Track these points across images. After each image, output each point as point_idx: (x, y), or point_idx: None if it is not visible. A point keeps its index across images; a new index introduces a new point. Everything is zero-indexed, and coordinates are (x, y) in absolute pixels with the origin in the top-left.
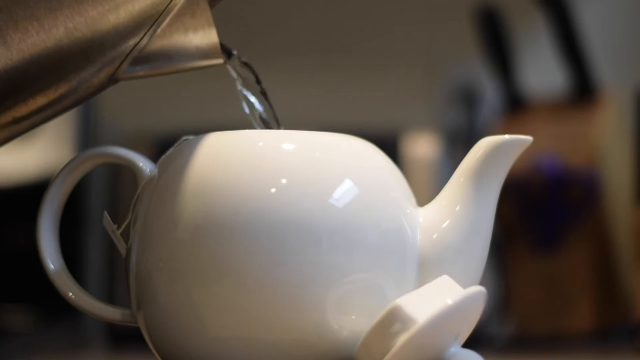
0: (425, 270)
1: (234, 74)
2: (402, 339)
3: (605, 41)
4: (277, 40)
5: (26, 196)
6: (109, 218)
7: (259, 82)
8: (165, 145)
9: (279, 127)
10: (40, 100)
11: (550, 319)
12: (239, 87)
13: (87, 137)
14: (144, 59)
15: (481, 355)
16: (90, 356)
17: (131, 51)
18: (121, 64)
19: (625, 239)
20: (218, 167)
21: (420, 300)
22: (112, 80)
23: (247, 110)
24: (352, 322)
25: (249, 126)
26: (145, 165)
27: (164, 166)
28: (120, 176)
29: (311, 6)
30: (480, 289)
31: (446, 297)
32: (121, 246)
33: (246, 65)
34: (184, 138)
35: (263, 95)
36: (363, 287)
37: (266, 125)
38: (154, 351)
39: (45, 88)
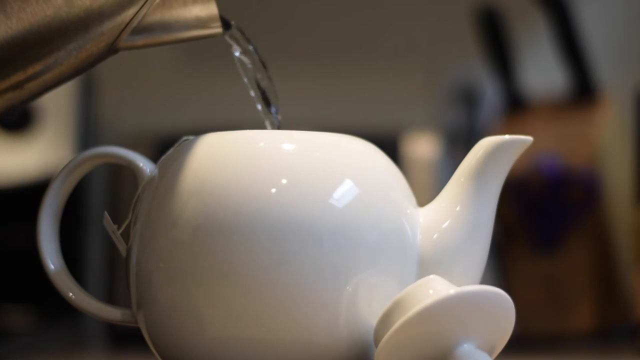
0: (425, 270)
1: (232, 43)
2: (424, 302)
3: (605, 41)
4: (277, 40)
5: (26, 196)
6: (109, 218)
7: (257, 52)
8: (165, 145)
9: (276, 98)
10: (39, 68)
11: (550, 319)
12: (236, 54)
13: (87, 137)
14: (143, 28)
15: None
16: (90, 356)
17: (130, 20)
18: (120, 33)
19: (625, 239)
20: (218, 167)
21: (448, 283)
22: (112, 49)
23: (245, 79)
24: (352, 321)
25: (249, 126)
26: (145, 165)
27: (164, 166)
28: (120, 176)
29: (312, 6)
30: (501, 292)
31: (475, 286)
32: (121, 246)
33: (244, 36)
34: (184, 138)
35: (262, 66)
36: (363, 287)
37: (263, 94)
38: (154, 351)
39: (45, 56)
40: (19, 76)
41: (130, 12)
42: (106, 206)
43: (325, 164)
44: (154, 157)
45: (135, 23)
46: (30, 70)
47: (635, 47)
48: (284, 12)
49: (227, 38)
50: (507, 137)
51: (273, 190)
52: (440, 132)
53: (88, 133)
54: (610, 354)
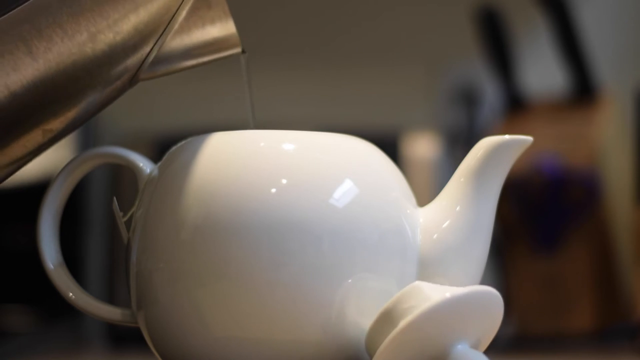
0: (425, 270)
1: (244, 69)
2: (416, 312)
3: (605, 41)
4: (277, 40)
5: (26, 196)
6: (117, 204)
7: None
8: (165, 145)
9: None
10: (68, 109)
11: (550, 319)
12: (245, 78)
13: (87, 137)
14: (163, 56)
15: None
16: (90, 356)
17: (151, 49)
18: (142, 63)
19: (625, 239)
20: (218, 167)
21: (438, 288)
22: (133, 81)
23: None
24: (352, 322)
25: (249, 126)
26: (145, 165)
27: (163, 166)
28: (120, 176)
29: (312, 6)
30: (491, 289)
31: (462, 289)
32: (124, 234)
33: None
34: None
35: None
36: (363, 287)
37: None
38: (154, 351)
39: (73, 96)
40: (49, 120)
41: (151, 41)
42: (106, 206)
43: (325, 164)
44: (154, 157)
45: (156, 51)
46: (60, 112)
47: (635, 47)
48: (285, 11)
49: (241, 58)
50: (507, 137)
51: (273, 190)
52: (440, 132)
53: (88, 133)
54: (610, 354)
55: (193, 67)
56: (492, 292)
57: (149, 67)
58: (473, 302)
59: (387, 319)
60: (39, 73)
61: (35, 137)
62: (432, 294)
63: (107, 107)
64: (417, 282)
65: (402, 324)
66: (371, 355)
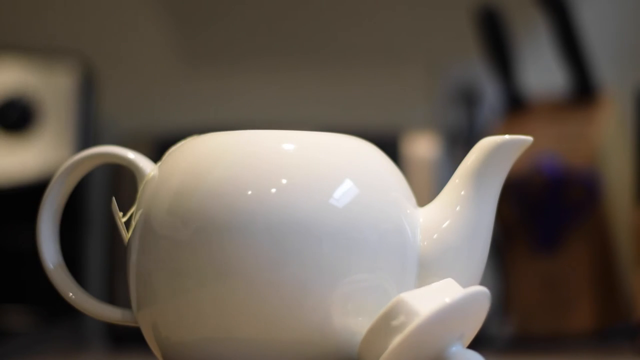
0: (425, 270)
1: None
2: (406, 330)
3: (605, 41)
4: (277, 40)
5: (26, 196)
6: (116, 204)
7: None
8: (165, 145)
9: None
10: None
11: (550, 319)
12: None
13: (87, 137)
14: None
15: (481, 355)
16: (90, 356)
17: None
18: None
19: (625, 239)
20: (218, 167)
21: (423, 297)
22: None
23: None
24: (352, 322)
25: (249, 126)
26: (145, 165)
27: (164, 166)
28: (120, 176)
29: (312, 5)
30: (482, 288)
31: (448, 295)
32: (124, 234)
33: None
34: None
35: None
36: (363, 287)
37: None
38: (154, 351)
39: None
40: None
41: None
42: (106, 206)
43: (325, 164)
44: (154, 157)
45: None
46: None
47: (635, 47)
48: (285, 11)
49: None
50: (507, 137)
51: (273, 190)
52: (440, 132)
53: (88, 133)
54: (610, 354)
55: None
56: (477, 293)
57: None
58: (459, 307)
59: (376, 337)
60: None
61: None
62: (418, 307)
63: None
64: (401, 296)
65: (392, 346)
66: None
